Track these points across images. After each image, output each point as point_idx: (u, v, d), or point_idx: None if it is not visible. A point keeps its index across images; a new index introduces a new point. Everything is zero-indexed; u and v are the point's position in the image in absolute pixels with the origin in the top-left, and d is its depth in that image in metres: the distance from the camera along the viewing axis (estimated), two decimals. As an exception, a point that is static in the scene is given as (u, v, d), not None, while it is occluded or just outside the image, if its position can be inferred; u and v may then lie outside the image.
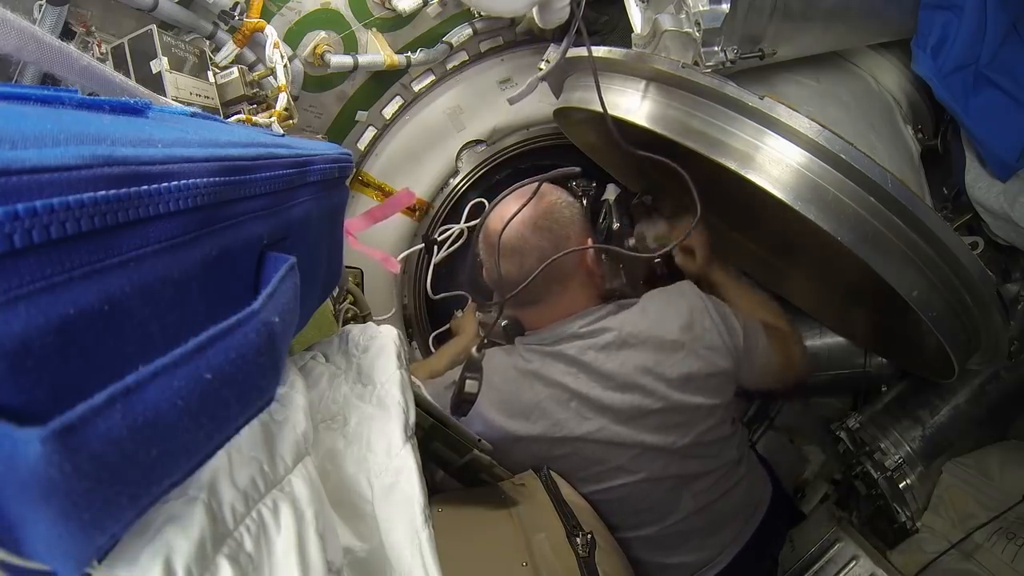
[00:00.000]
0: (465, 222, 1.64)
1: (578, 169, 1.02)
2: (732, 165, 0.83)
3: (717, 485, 1.10)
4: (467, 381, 0.94)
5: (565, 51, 1.02)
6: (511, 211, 1.03)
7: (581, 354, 1.05)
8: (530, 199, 1.03)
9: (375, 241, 1.54)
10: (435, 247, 1.65)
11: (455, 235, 1.65)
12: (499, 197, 1.06)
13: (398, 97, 1.51)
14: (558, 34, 1.27)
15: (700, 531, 1.10)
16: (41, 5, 0.85)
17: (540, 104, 1.52)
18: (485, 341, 0.99)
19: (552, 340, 1.09)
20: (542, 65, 1.14)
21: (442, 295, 1.70)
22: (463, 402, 0.94)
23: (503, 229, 1.02)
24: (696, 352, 1.05)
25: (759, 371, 1.15)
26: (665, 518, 1.08)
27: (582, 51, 1.00)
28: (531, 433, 1.03)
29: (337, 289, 1.13)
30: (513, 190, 1.05)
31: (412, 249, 1.62)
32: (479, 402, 1.00)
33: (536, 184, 1.02)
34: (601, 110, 0.93)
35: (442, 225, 1.66)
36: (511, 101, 1.21)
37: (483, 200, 1.63)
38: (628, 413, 1.03)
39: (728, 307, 1.15)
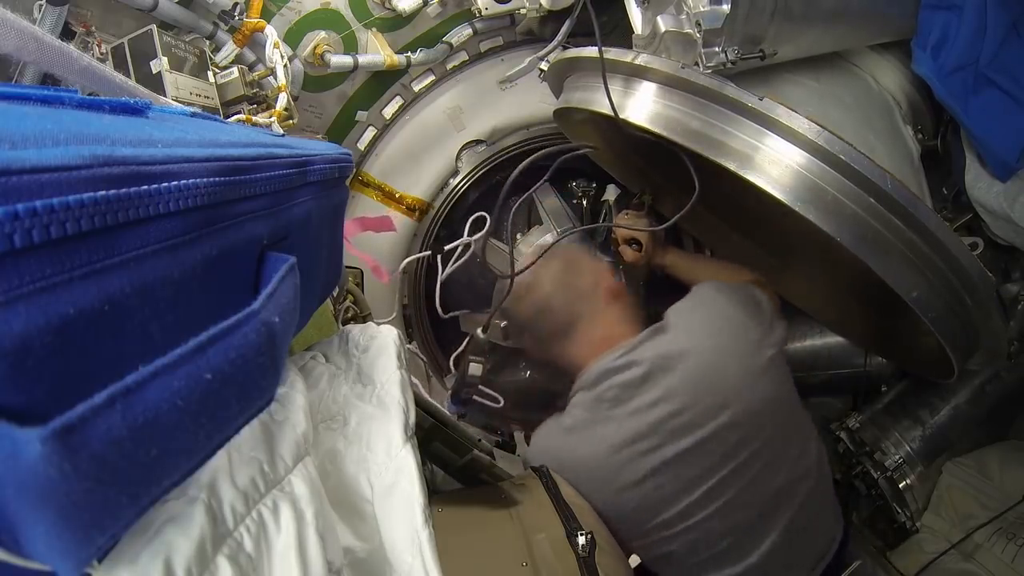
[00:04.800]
0: (468, 235, 1.61)
1: (593, 146, 1.00)
2: (732, 166, 0.83)
3: (801, 511, 0.99)
4: (471, 364, 0.93)
5: (567, 32, 1.02)
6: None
7: (626, 397, 0.97)
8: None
9: (375, 240, 1.54)
10: (440, 264, 1.61)
11: (459, 250, 1.62)
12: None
13: (398, 97, 1.51)
14: (556, 35, 1.27)
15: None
16: (41, 5, 0.85)
17: (540, 104, 1.52)
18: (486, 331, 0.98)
19: (592, 382, 1.01)
20: (542, 66, 1.15)
21: (452, 314, 1.65)
22: (466, 386, 0.93)
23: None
24: (749, 353, 0.98)
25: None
26: (748, 554, 0.97)
27: (582, 51, 1.00)
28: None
29: (337, 289, 1.13)
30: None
31: (414, 256, 1.60)
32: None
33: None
34: (602, 111, 0.93)
35: (441, 226, 1.65)
36: (508, 79, 1.21)
37: (484, 214, 1.60)
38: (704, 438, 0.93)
39: (746, 287, 1.08)
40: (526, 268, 0.98)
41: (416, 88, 1.51)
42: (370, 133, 1.52)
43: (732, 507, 0.94)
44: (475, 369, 0.93)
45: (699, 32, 0.83)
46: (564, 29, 1.15)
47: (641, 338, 1.01)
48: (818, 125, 0.79)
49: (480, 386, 1.04)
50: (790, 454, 0.98)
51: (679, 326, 1.01)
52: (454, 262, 1.59)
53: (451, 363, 1.72)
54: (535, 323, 1.07)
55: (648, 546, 0.99)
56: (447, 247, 1.59)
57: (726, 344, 0.98)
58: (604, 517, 0.95)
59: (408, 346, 1.10)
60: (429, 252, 1.62)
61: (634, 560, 1.13)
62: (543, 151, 1.02)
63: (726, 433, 0.93)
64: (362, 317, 1.21)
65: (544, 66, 1.14)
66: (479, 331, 0.96)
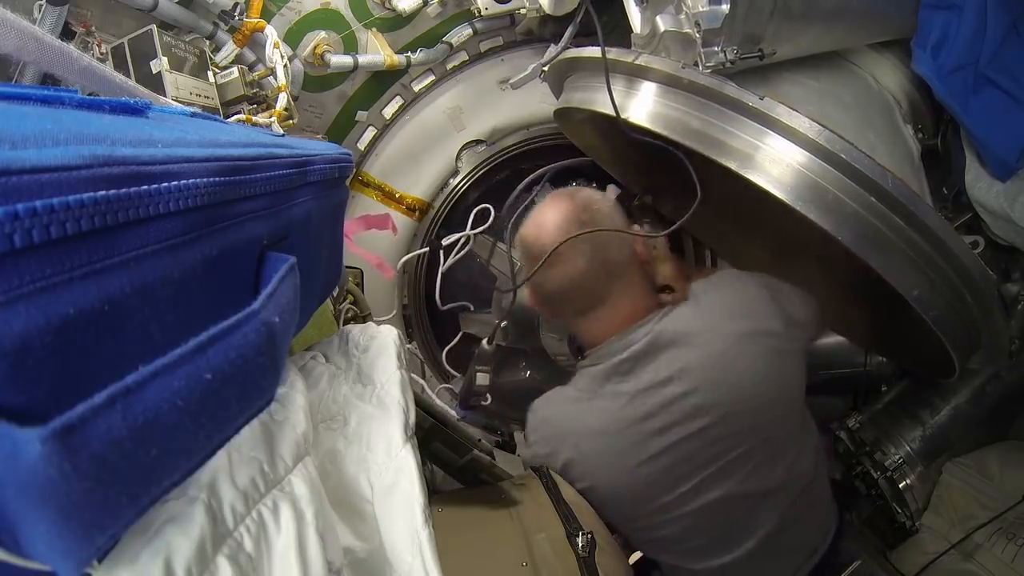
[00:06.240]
0: (471, 228, 1.62)
1: (589, 159, 0.98)
2: (732, 165, 0.83)
3: (790, 508, 0.99)
4: (477, 374, 0.93)
5: (570, 37, 1.02)
6: (547, 217, 0.97)
7: (636, 376, 0.95)
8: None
9: (375, 240, 1.54)
10: (441, 255, 1.61)
11: (461, 242, 1.62)
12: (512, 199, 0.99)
13: (398, 97, 1.51)
14: (557, 35, 1.27)
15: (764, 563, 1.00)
16: (41, 5, 0.86)
17: (540, 104, 1.52)
18: (495, 338, 0.98)
19: (607, 355, 0.99)
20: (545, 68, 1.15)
21: (449, 306, 1.66)
22: (473, 394, 0.94)
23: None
24: (768, 346, 0.95)
25: None
26: (739, 544, 0.98)
27: (583, 51, 1.00)
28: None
29: (337, 289, 1.14)
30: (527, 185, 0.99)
31: (413, 253, 1.61)
32: (590, 469, 0.95)
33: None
34: (603, 110, 0.93)
35: (441, 226, 1.65)
36: (513, 85, 1.21)
37: (488, 206, 1.61)
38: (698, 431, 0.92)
39: (772, 279, 1.04)
40: (527, 279, 0.97)
41: (416, 88, 1.51)
42: (370, 133, 1.52)
43: (729, 496, 0.94)
44: (482, 379, 0.95)
45: (698, 32, 0.83)
46: (568, 34, 1.14)
47: (660, 313, 0.98)
48: (819, 124, 0.79)
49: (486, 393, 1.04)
50: (790, 451, 0.98)
51: (700, 303, 0.98)
52: (456, 253, 1.59)
53: (443, 357, 1.71)
54: (560, 298, 1.01)
55: (642, 529, 0.99)
56: (446, 241, 1.58)
57: (745, 330, 0.94)
58: (601, 495, 0.95)
59: (408, 346, 1.10)
60: (427, 249, 1.61)
61: (634, 557, 1.13)
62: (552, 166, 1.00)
63: (733, 421, 0.92)
64: (362, 317, 1.21)
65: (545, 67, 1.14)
66: (484, 342, 0.96)
